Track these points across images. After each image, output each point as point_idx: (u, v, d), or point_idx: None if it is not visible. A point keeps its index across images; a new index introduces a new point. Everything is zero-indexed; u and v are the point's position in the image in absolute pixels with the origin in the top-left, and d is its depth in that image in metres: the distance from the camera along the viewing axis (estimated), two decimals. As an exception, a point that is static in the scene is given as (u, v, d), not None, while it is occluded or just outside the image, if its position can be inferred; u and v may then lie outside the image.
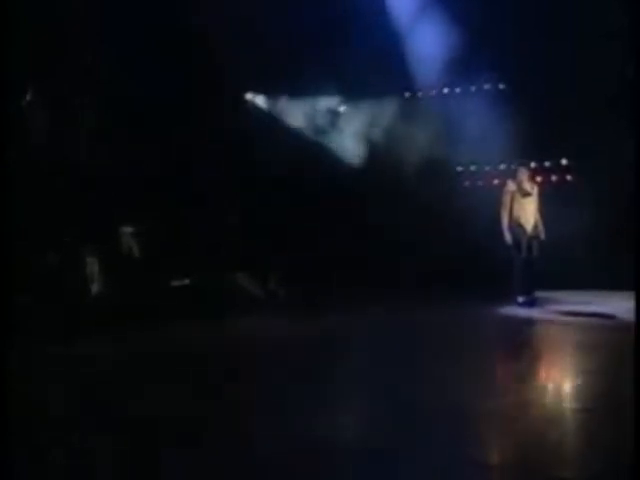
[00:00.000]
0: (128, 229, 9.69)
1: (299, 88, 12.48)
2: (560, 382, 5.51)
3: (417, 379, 5.37)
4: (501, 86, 11.62)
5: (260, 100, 12.91)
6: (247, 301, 9.69)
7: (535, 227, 9.34)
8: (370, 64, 11.06)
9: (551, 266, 9.26)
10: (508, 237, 9.23)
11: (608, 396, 4.59)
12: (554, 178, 11.26)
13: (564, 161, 11.11)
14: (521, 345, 7.06)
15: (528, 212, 9.32)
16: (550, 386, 5.42)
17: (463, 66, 11.01)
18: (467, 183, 12.19)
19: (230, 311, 8.96)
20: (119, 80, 10.43)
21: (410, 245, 11.14)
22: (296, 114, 12.74)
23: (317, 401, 4.68)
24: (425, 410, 4.39)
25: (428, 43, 11.04)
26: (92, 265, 8.65)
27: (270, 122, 12.42)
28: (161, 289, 9.41)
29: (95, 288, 8.72)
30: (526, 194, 9.35)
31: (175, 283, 9.48)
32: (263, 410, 4.53)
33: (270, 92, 12.86)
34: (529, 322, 8.41)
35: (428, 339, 7.30)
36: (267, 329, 8.24)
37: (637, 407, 3.01)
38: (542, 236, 9.32)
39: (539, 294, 9.41)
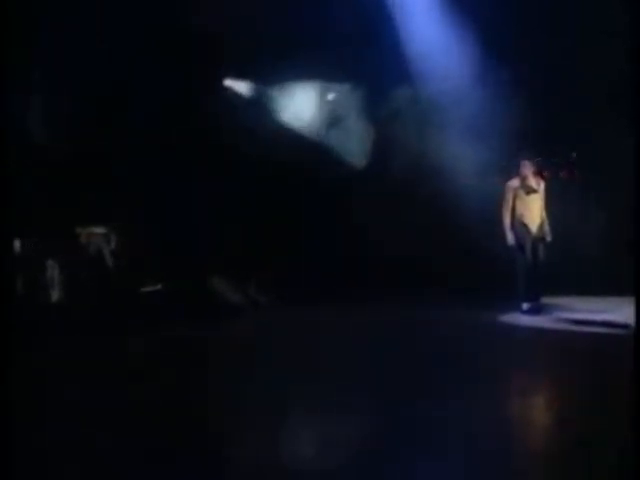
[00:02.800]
0: (100, 229, 9.29)
1: (295, 84, 12.09)
2: (568, 399, 4.99)
3: (410, 392, 4.98)
4: (504, 77, 11.16)
5: (244, 93, 12.28)
6: (226, 307, 9.35)
7: (541, 227, 8.91)
8: (370, 58, 10.76)
9: (558, 269, 8.90)
10: (510, 238, 8.86)
11: (621, 413, 4.02)
12: (563, 173, 10.79)
13: (574, 155, 10.64)
14: (526, 357, 6.57)
15: (533, 211, 8.92)
16: (557, 404, 4.96)
17: (466, 61, 10.67)
18: (468, 180, 11.66)
19: (208, 317, 8.64)
20: (104, 71, 10.10)
21: (406, 246, 10.59)
22: (290, 111, 12.21)
23: (304, 404, 4.68)
24: (418, 423, 4.14)
25: (430, 37, 10.81)
26: (53, 269, 8.24)
27: (259, 121, 11.85)
28: (137, 293, 9.10)
29: (58, 294, 8.33)
30: (531, 191, 8.93)
31: (148, 288, 9.03)
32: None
33: (259, 87, 12.31)
34: (534, 331, 7.95)
35: (423, 352, 6.75)
36: (246, 336, 8.05)
37: (638, 409, 3.01)
38: (548, 237, 8.90)
39: (545, 300, 9.01)
